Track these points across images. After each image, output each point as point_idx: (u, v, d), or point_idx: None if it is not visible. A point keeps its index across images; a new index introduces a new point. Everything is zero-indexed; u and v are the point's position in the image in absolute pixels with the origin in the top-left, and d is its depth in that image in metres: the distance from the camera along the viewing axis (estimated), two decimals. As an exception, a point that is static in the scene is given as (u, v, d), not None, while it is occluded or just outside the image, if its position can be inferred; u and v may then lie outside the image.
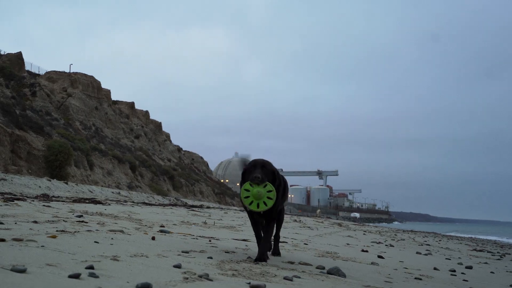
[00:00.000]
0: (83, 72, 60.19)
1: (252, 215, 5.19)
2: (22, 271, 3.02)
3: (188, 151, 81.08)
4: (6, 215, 6.70)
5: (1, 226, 5.17)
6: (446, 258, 10.03)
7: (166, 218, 11.30)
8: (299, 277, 4.19)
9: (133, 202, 21.58)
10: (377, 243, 12.35)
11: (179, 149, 76.59)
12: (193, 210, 18.96)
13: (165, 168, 57.46)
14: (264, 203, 4.70)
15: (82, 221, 7.02)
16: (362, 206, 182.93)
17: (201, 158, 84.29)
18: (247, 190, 4.74)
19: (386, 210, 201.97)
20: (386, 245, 11.98)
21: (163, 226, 8.20)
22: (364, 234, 17.77)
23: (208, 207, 29.50)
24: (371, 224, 65.00)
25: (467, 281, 5.96)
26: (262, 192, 4.69)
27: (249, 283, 3.50)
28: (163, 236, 6.41)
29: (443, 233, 43.35)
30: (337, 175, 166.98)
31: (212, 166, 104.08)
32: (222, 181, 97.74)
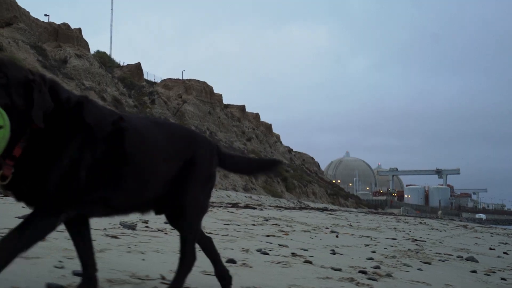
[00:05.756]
0: (196, 78, 66.29)
1: None
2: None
3: (299, 152, 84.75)
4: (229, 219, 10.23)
5: (229, 228, 8.58)
6: None
7: (319, 221, 14.53)
8: (448, 260, 7.06)
9: (263, 205, 25.21)
10: (504, 244, 14.57)
11: (289, 150, 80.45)
12: (330, 214, 22.22)
13: (278, 169, 61.46)
14: None
15: (276, 224, 10.38)
16: (488, 206, 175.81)
17: (312, 158, 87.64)
18: None
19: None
20: (512, 246, 14.20)
21: (327, 228, 11.38)
22: (491, 236, 19.75)
23: (333, 210, 32.61)
24: (499, 226, 63.94)
25: None
26: None
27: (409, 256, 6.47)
28: (341, 235, 9.58)
29: None
30: (458, 173, 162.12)
31: (322, 166, 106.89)
32: (334, 181, 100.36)
